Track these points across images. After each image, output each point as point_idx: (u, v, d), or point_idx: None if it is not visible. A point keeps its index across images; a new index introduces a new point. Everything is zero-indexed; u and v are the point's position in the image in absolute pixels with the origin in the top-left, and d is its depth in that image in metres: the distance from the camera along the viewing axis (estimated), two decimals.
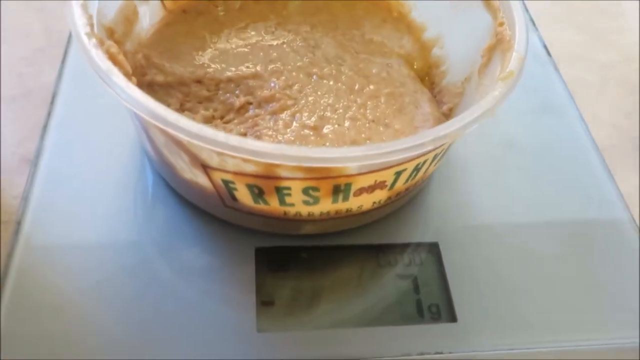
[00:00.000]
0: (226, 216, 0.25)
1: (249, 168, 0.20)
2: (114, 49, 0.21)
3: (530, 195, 0.28)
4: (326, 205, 0.22)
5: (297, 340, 0.22)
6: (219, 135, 0.18)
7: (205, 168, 0.22)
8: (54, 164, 0.27)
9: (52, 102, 0.29)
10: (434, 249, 0.25)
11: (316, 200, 0.22)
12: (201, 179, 0.23)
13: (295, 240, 0.25)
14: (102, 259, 0.24)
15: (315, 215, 0.23)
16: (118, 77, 0.20)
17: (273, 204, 0.22)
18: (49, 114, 0.29)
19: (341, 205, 0.23)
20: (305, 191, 0.21)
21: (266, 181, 0.21)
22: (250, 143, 0.18)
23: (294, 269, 0.24)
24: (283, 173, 0.20)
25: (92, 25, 0.22)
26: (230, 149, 0.18)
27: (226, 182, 0.22)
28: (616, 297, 0.25)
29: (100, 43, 0.21)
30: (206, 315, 0.23)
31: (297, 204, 0.22)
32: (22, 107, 0.35)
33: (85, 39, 0.21)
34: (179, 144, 0.21)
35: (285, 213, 0.23)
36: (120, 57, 0.22)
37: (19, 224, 0.25)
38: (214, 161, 0.21)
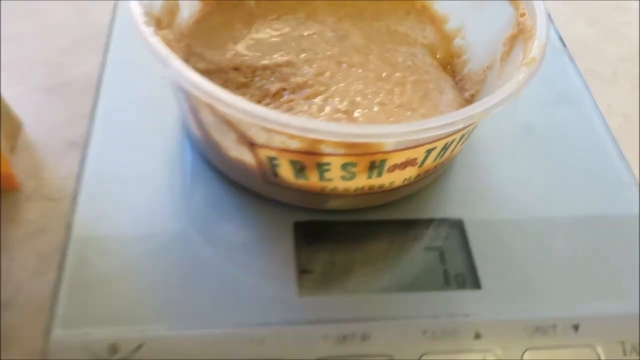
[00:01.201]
0: (266, 192, 0.27)
1: (294, 144, 0.22)
2: (170, 36, 0.23)
3: (548, 176, 0.30)
4: (361, 181, 0.24)
5: (335, 303, 0.24)
6: (271, 113, 0.20)
7: (252, 146, 0.23)
8: (102, 146, 0.29)
9: (98, 89, 0.31)
10: (458, 224, 0.27)
11: (353, 176, 0.24)
12: (246, 157, 0.25)
13: (331, 215, 0.27)
14: (146, 234, 0.26)
15: (351, 191, 0.25)
16: (176, 62, 0.22)
17: (312, 180, 0.24)
18: (96, 100, 0.31)
19: (375, 181, 0.25)
20: (344, 167, 0.23)
21: (309, 157, 0.23)
22: (301, 120, 0.20)
23: (329, 242, 0.26)
24: (326, 149, 0.22)
25: (147, 14, 0.24)
26: (282, 126, 0.20)
27: (271, 159, 0.24)
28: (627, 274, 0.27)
29: (155, 31, 0.23)
30: (248, 287, 0.25)
31: (335, 179, 0.24)
32: (63, 96, 0.37)
33: (144, 27, 0.23)
34: (228, 123, 0.23)
35: (323, 188, 0.25)
36: (174, 44, 0.24)
37: (75, 201, 0.27)
38: (261, 138, 0.23)
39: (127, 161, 0.29)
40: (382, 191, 0.26)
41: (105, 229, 0.26)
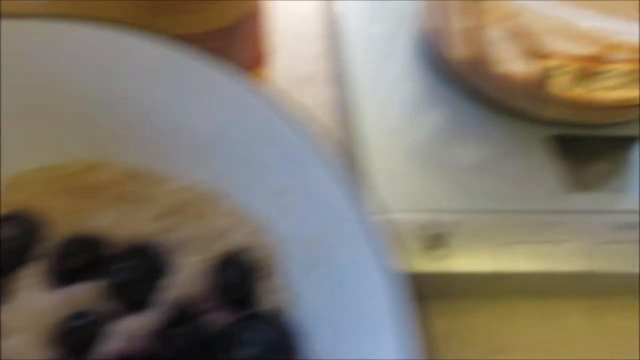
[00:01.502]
0: (524, 105, 0.30)
1: (587, 50, 0.26)
2: None
3: None
4: (627, 92, 0.28)
5: (602, 199, 0.28)
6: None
7: (539, 56, 0.27)
8: (359, 74, 0.33)
9: (342, 27, 0.36)
10: None
11: (624, 86, 0.27)
12: (522, 69, 0.28)
13: (580, 130, 0.30)
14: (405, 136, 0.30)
15: (609, 102, 0.29)
16: None
17: (582, 91, 0.28)
18: (346, 37, 0.35)
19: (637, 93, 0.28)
20: (624, 74, 0.27)
21: (594, 64, 0.26)
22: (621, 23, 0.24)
23: (582, 155, 0.30)
24: (616, 55, 0.26)
25: None
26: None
27: (551, 69, 0.27)
28: None
29: None
30: (515, 193, 0.28)
31: (604, 90, 0.28)
32: (293, 37, 0.41)
33: None
34: (519, 35, 0.27)
35: (585, 100, 0.29)
36: None
37: (361, 118, 0.31)
38: (553, 46, 0.27)
39: (381, 83, 0.33)
40: (633, 105, 0.29)
41: (388, 142, 0.30)
